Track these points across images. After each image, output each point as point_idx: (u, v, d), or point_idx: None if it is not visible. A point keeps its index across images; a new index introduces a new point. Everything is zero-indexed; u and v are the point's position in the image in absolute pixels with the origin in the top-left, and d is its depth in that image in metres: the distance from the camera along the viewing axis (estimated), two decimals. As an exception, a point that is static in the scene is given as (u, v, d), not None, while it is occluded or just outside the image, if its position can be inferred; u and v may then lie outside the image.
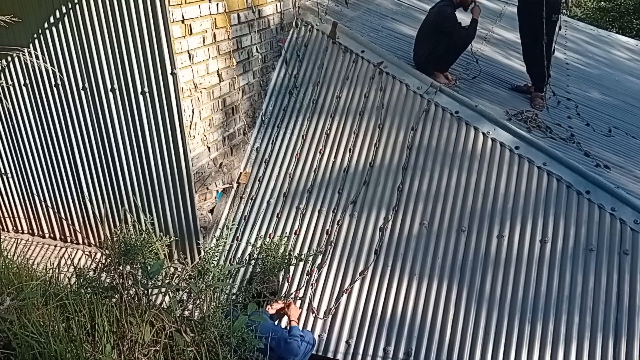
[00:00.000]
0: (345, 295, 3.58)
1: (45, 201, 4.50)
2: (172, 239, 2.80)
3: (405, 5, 6.37)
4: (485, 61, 5.26)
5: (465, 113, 3.96)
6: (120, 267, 2.14)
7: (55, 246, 4.61)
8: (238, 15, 4.09)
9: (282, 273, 3.71)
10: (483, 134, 3.84)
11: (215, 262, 2.68)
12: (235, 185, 4.32)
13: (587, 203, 3.41)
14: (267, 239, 3.92)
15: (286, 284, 3.71)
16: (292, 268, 3.75)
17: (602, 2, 15.81)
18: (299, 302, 3.63)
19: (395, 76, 4.30)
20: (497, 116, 3.92)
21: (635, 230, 3.25)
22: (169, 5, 3.38)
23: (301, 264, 3.75)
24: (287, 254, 3.75)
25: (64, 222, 4.51)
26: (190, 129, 3.77)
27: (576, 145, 4.01)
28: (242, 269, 3.88)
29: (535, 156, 3.65)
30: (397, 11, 6.06)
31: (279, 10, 4.65)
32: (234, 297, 3.16)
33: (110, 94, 3.79)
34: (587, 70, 6.14)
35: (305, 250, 3.82)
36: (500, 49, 5.82)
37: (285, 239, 3.89)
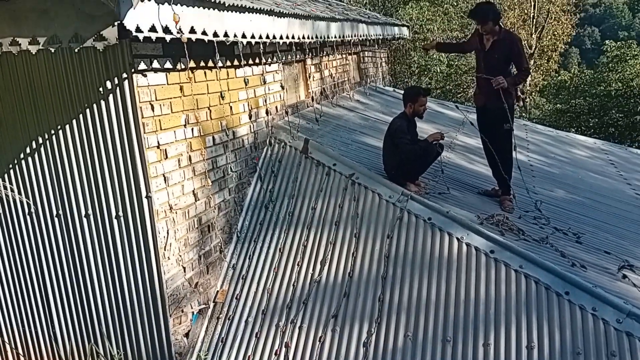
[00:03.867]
0: (331, 420, 3.36)
1: (14, 340, 4.27)
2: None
3: (372, 119, 6.73)
4: (452, 168, 5.47)
5: (438, 219, 4.03)
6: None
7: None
8: (213, 137, 4.25)
9: None
10: (457, 239, 3.89)
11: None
12: (211, 305, 4.20)
13: (568, 304, 3.38)
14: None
15: None
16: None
17: (558, 105, 16.98)
18: None
19: (367, 186, 4.42)
20: (469, 221, 4.00)
21: (619, 330, 3.20)
22: (144, 133, 3.50)
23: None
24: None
25: None
26: (165, 250, 3.74)
27: (550, 245, 4.07)
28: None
29: (510, 259, 3.67)
30: (365, 125, 6.39)
31: (252, 130, 4.86)
32: None
33: (85, 220, 3.78)
34: (550, 171, 6.41)
35: (286, 372, 3.64)
36: (465, 155, 6.09)
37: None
